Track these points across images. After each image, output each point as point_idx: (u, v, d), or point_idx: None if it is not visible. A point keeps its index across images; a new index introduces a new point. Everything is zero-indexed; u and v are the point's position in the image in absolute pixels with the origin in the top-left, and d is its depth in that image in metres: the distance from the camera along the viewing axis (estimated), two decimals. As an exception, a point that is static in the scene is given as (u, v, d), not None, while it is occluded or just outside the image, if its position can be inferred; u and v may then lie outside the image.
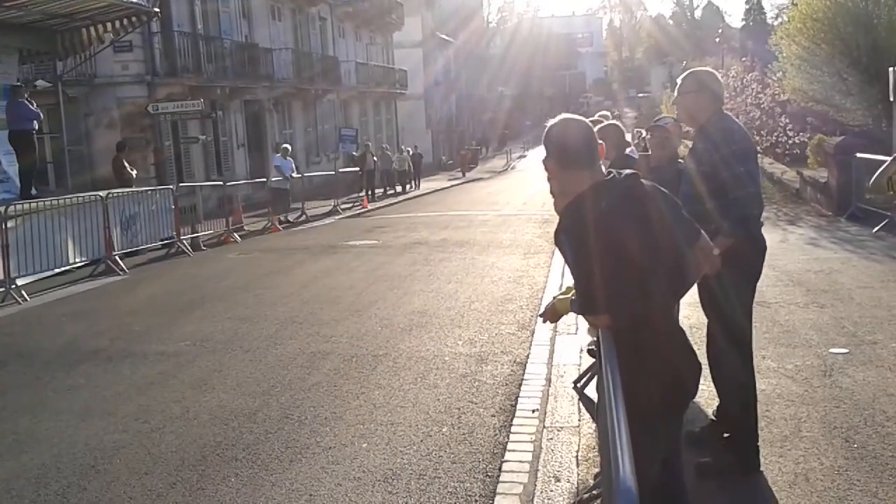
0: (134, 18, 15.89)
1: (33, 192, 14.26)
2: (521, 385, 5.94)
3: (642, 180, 2.89)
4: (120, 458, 4.84)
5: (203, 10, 25.93)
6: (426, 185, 35.79)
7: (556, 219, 2.93)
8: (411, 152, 35.87)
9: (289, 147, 22.94)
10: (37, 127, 14.56)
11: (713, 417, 4.68)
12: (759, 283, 4.50)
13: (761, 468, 4.18)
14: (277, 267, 12.62)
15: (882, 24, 20.15)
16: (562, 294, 3.69)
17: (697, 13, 79.53)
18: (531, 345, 7.03)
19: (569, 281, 3.01)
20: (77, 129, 20.95)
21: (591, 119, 5.46)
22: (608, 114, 8.09)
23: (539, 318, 3.99)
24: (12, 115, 14.18)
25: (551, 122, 2.95)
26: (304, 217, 21.21)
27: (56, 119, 17.64)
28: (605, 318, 2.79)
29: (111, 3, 14.50)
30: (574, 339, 6.96)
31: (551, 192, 2.99)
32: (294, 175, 21.72)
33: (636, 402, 2.57)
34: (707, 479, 4.08)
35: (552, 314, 3.55)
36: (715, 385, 4.39)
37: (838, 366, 5.88)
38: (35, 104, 14.47)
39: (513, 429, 5.07)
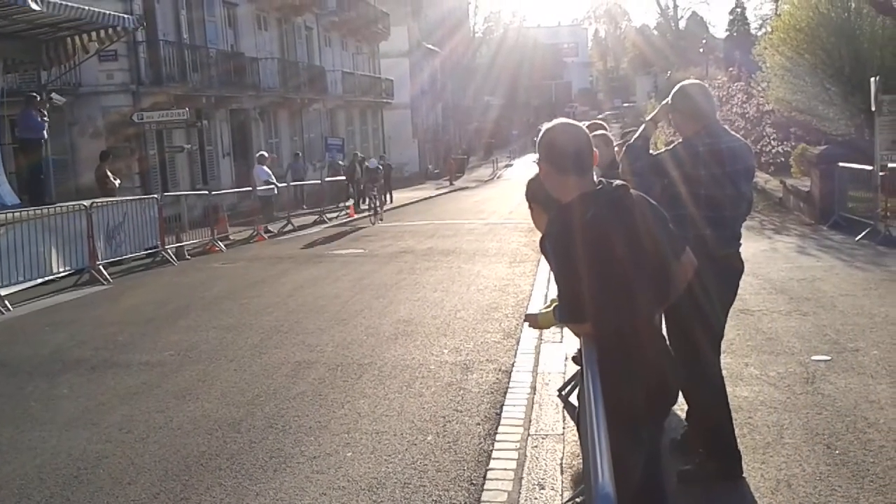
0: (119, 28, 15.86)
1: (18, 201, 14.23)
2: (506, 393, 5.95)
3: (631, 191, 2.90)
4: (103, 469, 4.81)
5: (189, 19, 25.86)
6: (406, 194, 35.25)
7: None
8: (375, 162, 34.00)
9: (265, 154, 22.80)
10: (45, 136, 14.79)
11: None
12: (742, 292, 4.53)
13: (743, 474, 4.21)
14: (263, 276, 12.59)
15: (864, 35, 20.34)
16: (545, 307, 3.70)
17: (682, 24, 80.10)
18: (516, 353, 7.05)
19: (555, 289, 3.02)
20: (61, 138, 20.83)
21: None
22: (604, 122, 7.96)
23: (524, 322, 3.99)
24: (22, 124, 14.65)
25: (547, 125, 2.95)
26: (290, 226, 21.17)
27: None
28: (588, 327, 2.80)
29: (95, 15, 14.46)
30: (559, 348, 6.98)
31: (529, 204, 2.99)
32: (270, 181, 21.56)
33: (620, 407, 2.59)
34: (689, 486, 4.10)
35: (534, 324, 3.56)
36: (687, 398, 4.33)
37: (820, 373, 5.93)
38: (45, 115, 14.84)
39: (497, 437, 5.07)
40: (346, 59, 41.56)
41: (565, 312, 2.87)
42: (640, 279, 2.77)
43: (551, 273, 3.20)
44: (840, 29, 20.37)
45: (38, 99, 14.93)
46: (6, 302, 10.50)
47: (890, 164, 13.27)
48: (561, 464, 4.60)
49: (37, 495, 4.48)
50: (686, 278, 3.09)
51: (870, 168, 13.86)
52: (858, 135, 20.15)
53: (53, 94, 15.99)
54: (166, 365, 7.15)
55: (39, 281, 11.91)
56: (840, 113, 20.99)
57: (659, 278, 2.87)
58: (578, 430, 3.41)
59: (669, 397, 2.97)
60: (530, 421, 5.34)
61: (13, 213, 12.04)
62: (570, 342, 6.93)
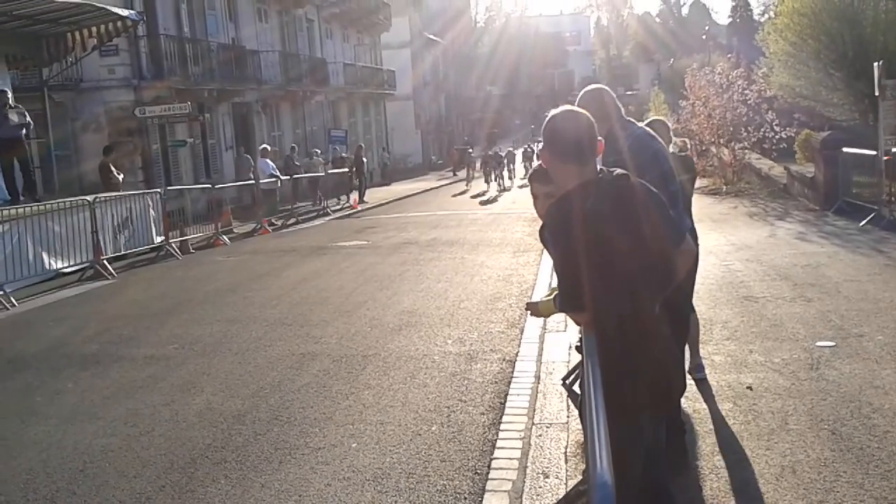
0: (119, 24, 15.85)
1: (21, 197, 14.16)
2: (510, 383, 5.95)
3: (632, 179, 2.88)
4: (109, 462, 4.83)
5: (189, 12, 25.82)
6: (409, 185, 34.65)
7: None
8: (330, 156, 30.48)
9: (267, 147, 22.95)
10: (24, 133, 14.53)
11: None
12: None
13: (751, 461, 4.21)
14: (266, 269, 12.59)
15: (867, 19, 20.24)
16: (546, 296, 3.70)
17: (684, 10, 79.87)
18: (520, 342, 7.04)
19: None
20: (64, 133, 20.82)
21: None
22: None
23: (526, 310, 3.99)
24: None
25: (553, 111, 2.91)
26: (293, 219, 21.17)
27: (42, 124, 17.48)
28: (587, 316, 2.79)
29: (96, 10, 14.45)
30: (563, 337, 6.98)
31: (532, 193, 2.97)
32: (274, 174, 21.64)
33: (619, 398, 2.58)
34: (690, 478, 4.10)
35: (535, 312, 3.56)
36: None
37: (825, 359, 5.92)
38: (25, 113, 14.43)
39: (502, 426, 5.07)
40: (348, 51, 41.45)
41: (564, 301, 2.87)
42: (639, 269, 2.76)
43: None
44: (843, 14, 20.26)
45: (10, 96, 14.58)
46: (11, 298, 10.52)
47: (894, 149, 13.22)
48: (565, 453, 4.61)
49: (43, 489, 4.49)
50: (686, 267, 3.08)
51: (874, 153, 13.81)
52: (862, 120, 20.08)
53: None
54: (171, 358, 7.17)
55: (44, 277, 11.94)
56: (844, 98, 20.90)
57: (659, 268, 2.86)
58: (581, 419, 3.41)
59: (672, 390, 2.95)
60: (534, 410, 5.34)
61: (17, 209, 12.06)
62: (573, 331, 6.92)
